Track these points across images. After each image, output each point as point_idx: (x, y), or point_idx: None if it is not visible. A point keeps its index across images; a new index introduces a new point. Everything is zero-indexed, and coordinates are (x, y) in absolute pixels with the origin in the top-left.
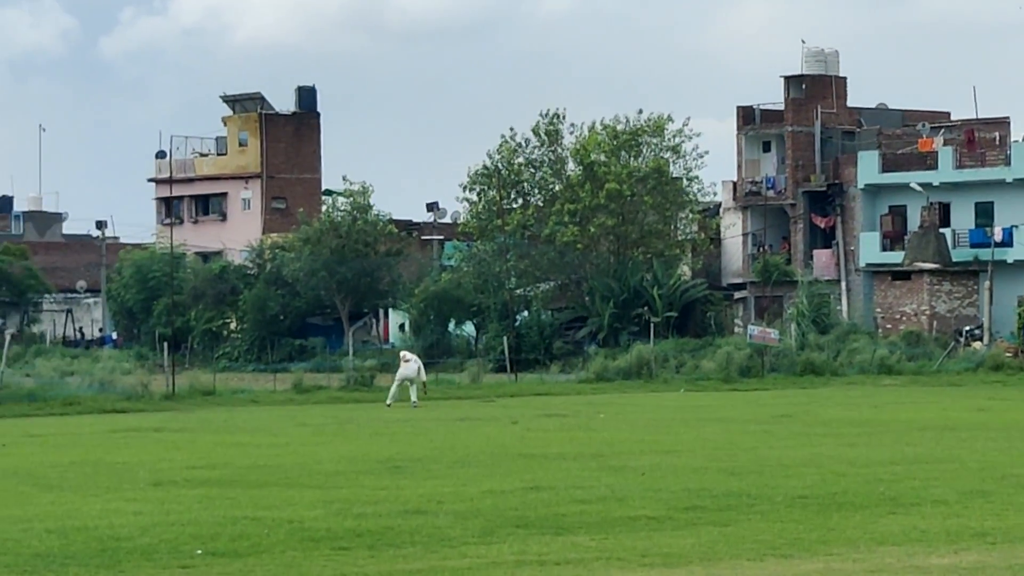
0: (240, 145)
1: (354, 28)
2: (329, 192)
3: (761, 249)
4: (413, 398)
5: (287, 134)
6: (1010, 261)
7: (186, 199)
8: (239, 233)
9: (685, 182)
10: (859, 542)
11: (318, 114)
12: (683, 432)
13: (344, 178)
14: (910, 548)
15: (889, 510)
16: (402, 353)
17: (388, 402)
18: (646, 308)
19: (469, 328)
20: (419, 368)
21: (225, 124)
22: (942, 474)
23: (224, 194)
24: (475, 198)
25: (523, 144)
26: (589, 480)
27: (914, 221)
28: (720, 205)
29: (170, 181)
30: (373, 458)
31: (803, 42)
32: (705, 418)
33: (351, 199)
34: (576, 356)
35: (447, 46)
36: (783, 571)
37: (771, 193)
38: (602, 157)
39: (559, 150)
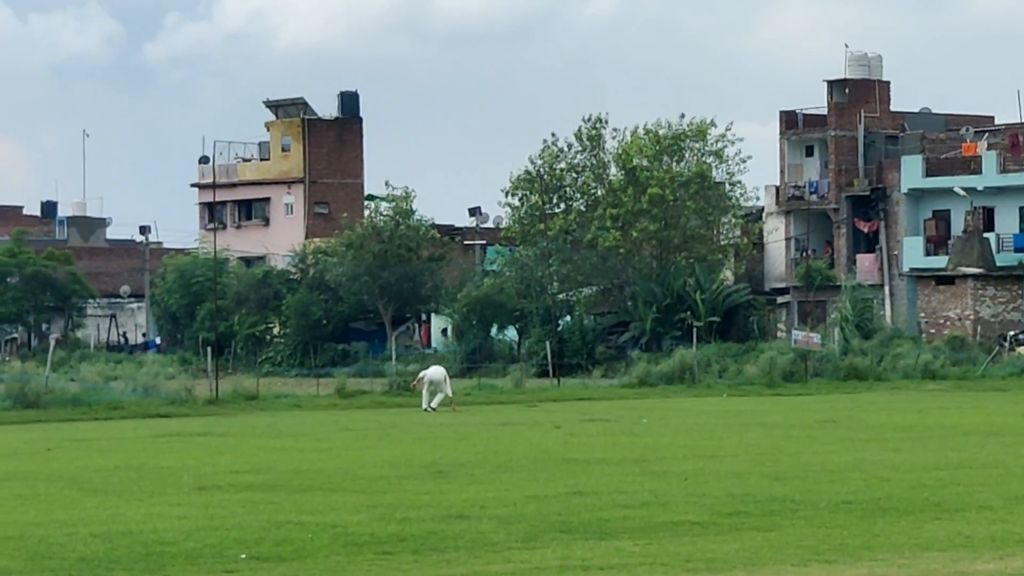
0: (283, 150)
1: (397, 33)
2: (372, 197)
3: (804, 254)
4: (432, 403)
5: (330, 139)
6: None
7: (229, 204)
8: (282, 238)
9: (728, 187)
10: (903, 548)
11: (361, 119)
12: (726, 437)
13: (387, 183)
14: (955, 554)
15: (934, 516)
16: (420, 374)
17: (423, 407)
18: (689, 313)
19: (512, 333)
20: (445, 377)
21: (268, 129)
22: (987, 479)
23: (267, 199)
24: (517, 203)
25: (565, 149)
26: (632, 485)
27: (958, 226)
28: (763, 210)
29: (213, 186)
30: (416, 463)
31: (846, 46)
32: (748, 423)
33: (394, 204)
34: (619, 361)
35: (489, 51)
36: None
37: (814, 198)
38: (644, 162)
39: (601, 155)
